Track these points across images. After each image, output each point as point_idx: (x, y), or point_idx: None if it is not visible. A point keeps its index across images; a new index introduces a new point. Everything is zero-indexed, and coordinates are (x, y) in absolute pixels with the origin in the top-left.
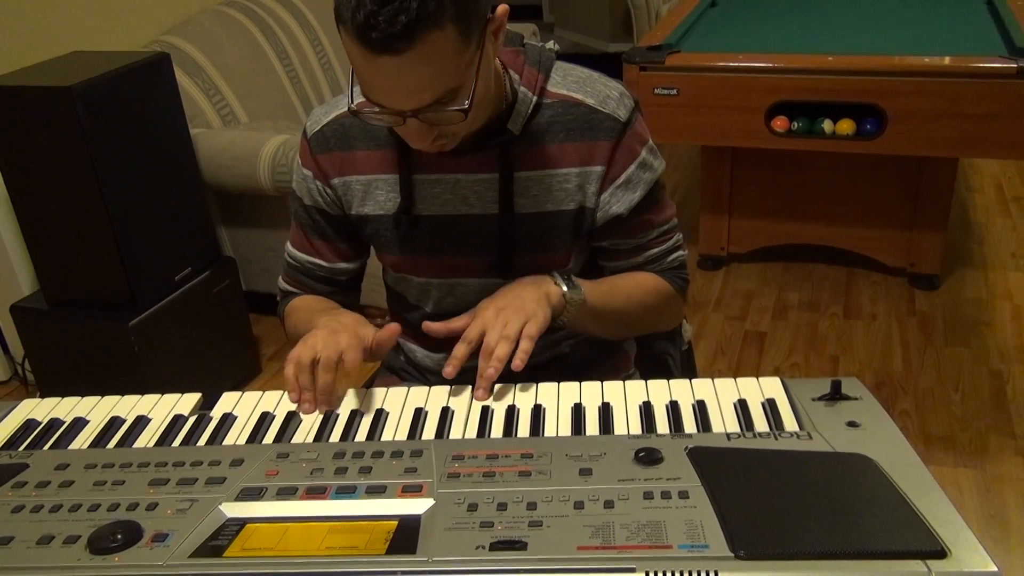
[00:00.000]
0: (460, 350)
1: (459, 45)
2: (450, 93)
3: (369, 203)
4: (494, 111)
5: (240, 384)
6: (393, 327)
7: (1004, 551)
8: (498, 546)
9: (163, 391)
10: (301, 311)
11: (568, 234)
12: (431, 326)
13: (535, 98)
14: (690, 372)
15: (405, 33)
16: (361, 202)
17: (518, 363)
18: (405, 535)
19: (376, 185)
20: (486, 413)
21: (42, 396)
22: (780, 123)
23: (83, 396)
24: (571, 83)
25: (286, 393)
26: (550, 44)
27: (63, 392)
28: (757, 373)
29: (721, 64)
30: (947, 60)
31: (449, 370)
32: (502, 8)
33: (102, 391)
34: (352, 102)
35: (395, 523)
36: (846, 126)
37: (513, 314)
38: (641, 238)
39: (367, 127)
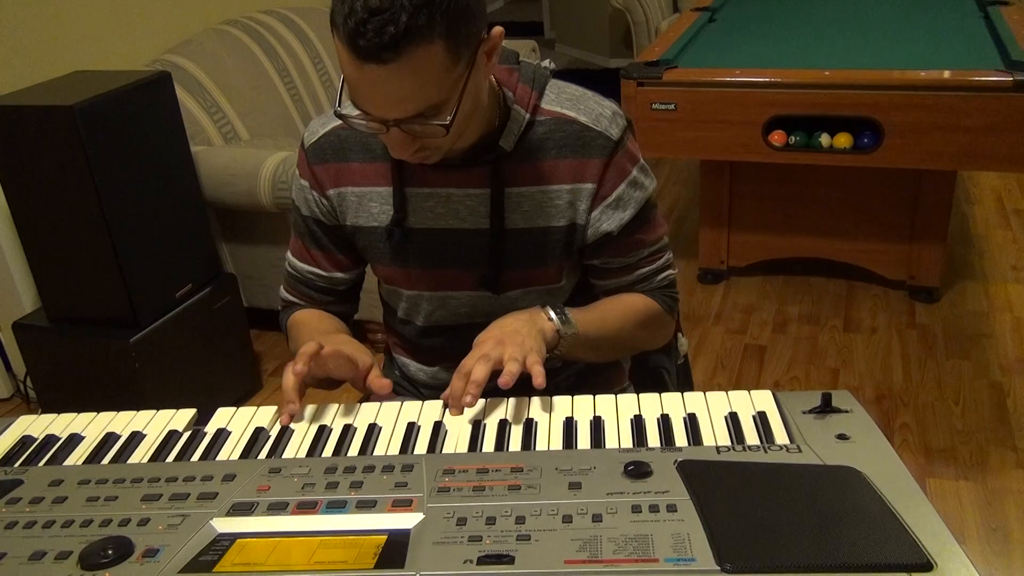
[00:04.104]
0: (456, 386)
1: (447, 61)
2: (434, 108)
3: (363, 214)
4: (487, 127)
5: (241, 400)
6: (386, 383)
7: (1005, 564)
8: (485, 560)
9: (164, 407)
10: (302, 328)
11: (559, 250)
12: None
13: (528, 115)
14: (686, 386)
15: (392, 44)
16: (355, 213)
17: (540, 380)
18: (394, 549)
19: (370, 197)
20: (478, 427)
21: (43, 413)
22: (777, 137)
23: (81, 412)
24: (564, 101)
25: (278, 408)
26: (546, 62)
27: (65, 409)
28: (757, 387)
29: (718, 79)
30: (944, 74)
31: (455, 412)
32: (497, 30)
33: (103, 408)
34: (340, 106)
35: (384, 538)
36: (843, 140)
37: (513, 348)
38: (632, 257)
39: (363, 139)
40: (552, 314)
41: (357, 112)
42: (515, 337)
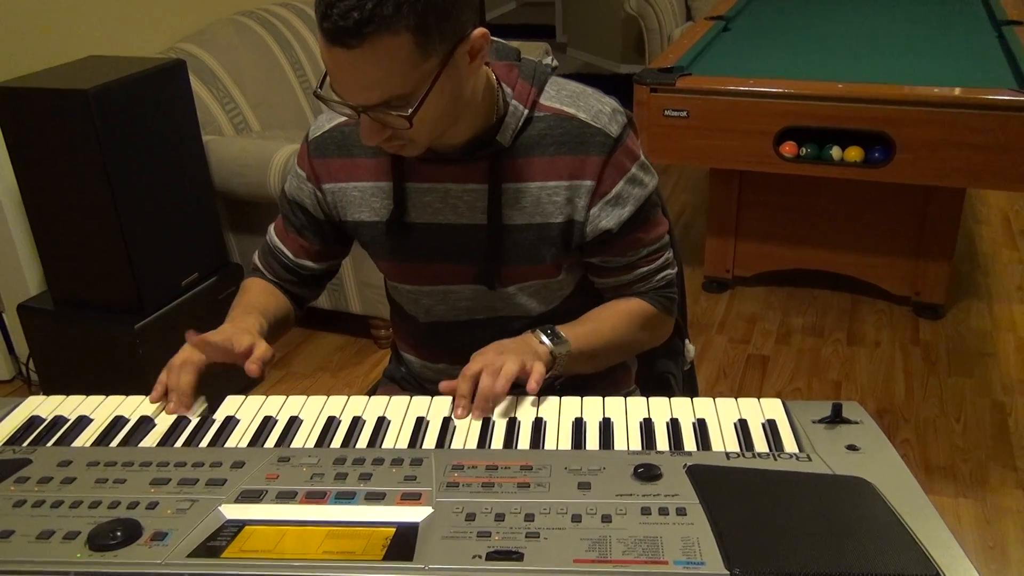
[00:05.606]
0: (463, 387)
1: (415, 55)
2: (400, 99)
3: (365, 210)
4: (484, 123)
5: (244, 389)
6: (253, 370)
7: None
8: (494, 556)
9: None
10: (241, 296)
11: (556, 246)
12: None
13: (526, 111)
14: (692, 392)
15: (356, 30)
16: (358, 209)
17: (533, 385)
18: (402, 542)
19: (372, 192)
20: (487, 425)
21: (45, 395)
22: (789, 148)
23: (88, 396)
24: (564, 97)
25: (288, 398)
26: (547, 60)
27: (66, 393)
28: (759, 397)
29: (731, 88)
30: (957, 91)
31: (459, 412)
32: (479, 31)
33: (105, 393)
34: (321, 88)
35: (393, 530)
36: (854, 153)
37: (512, 356)
38: (631, 256)
39: None
40: (543, 338)
41: (334, 96)
42: (514, 344)
